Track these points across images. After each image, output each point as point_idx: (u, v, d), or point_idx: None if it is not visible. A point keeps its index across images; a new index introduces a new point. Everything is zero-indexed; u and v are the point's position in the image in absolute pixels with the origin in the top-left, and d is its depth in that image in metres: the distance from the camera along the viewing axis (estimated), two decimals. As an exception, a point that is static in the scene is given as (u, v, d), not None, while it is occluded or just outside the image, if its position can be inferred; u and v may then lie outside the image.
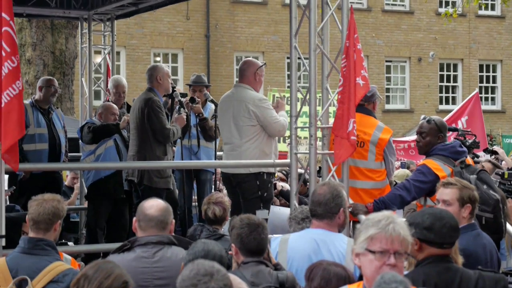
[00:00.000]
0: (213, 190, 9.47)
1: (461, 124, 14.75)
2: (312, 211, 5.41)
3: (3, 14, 5.92)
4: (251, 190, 7.93)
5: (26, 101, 9.61)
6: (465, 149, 6.98)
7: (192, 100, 9.42)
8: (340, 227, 5.42)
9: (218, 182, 9.84)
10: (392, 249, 3.61)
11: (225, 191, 9.40)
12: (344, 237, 5.33)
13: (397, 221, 3.69)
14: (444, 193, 5.34)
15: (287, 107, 8.01)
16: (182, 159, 9.40)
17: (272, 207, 8.18)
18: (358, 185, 7.37)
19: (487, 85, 31.51)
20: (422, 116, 7.33)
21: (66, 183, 11.42)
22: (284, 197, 8.98)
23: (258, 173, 7.93)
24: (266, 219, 7.75)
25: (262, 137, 8.00)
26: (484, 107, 17.67)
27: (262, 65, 8.28)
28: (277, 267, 4.98)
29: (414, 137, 15.75)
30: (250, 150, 7.97)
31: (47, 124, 9.48)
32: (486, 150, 11.22)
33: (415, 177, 6.77)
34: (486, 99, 31.07)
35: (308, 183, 7.69)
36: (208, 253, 4.41)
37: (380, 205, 6.79)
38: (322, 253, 5.14)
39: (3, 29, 5.91)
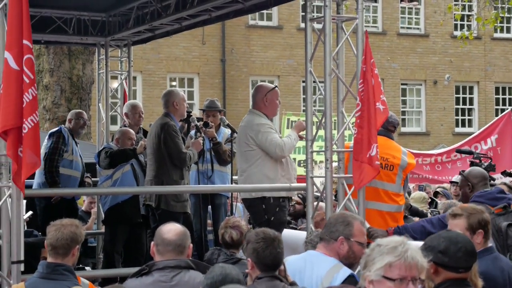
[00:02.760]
0: (227, 214, 9.50)
1: (490, 142, 14.70)
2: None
3: (25, 41, 5.99)
4: (258, 215, 7.93)
5: (63, 126, 9.93)
6: (508, 195, 6.89)
7: (206, 124, 9.45)
8: (343, 259, 5.17)
9: (237, 204, 9.86)
10: (410, 275, 3.59)
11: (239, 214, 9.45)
12: (333, 261, 5.14)
13: (412, 246, 3.67)
14: (453, 225, 5.26)
15: (303, 132, 8.04)
16: (198, 183, 9.44)
17: (284, 230, 8.18)
18: (384, 208, 7.38)
19: (504, 107, 31.38)
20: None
21: (83, 208, 11.49)
22: None
23: (263, 198, 7.90)
24: None
25: (265, 161, 7.97)
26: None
27: (271, 89, 8.25)
28: (292, 284, 4.99)
29: (440, 150, 15.77)
30: (253, 175, 7.97)
31: (79, 154, 9.81)
32: (504, 173, 11.19)
33: (444, 214, 6.80)
34: (503, 121, 30.95)
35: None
36: (226, 277, 4.42)
37: (402, 232, 6.76)
38: (305, 272, 5.14)
39: (26, 56, 5.97)
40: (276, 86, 8.51)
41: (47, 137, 9.77)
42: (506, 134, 14.89)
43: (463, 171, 7.51)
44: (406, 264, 3.58)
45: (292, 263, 5.29)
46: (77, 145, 9.98)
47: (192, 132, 9.36)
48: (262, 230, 5.08)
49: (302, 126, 8.21)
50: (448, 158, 14.83)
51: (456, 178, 12.82)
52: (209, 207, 9.75)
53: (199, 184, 9.41)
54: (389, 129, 7.51)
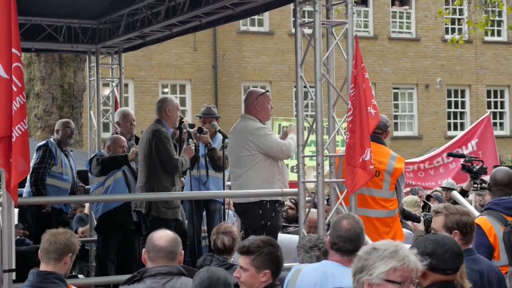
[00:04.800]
0: (222, 220, 9.49)
1: (471, 146, 14.70)
2: (337, 245, 5.23)
3: (14, 50, 5.99)
4: (254, 219, 7.91)
5: (51, 139, 9.90)
6: None
7: (200, 130, 9.46)
8: None
9: (227, 211, 9.86)
10: (410, 278, 3.68)
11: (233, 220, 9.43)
12: None
13: (409, 250, 3.75)
14: (433, 222, 5.35)
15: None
16: (191, 190, 9.43)
17: (280, 234, 8.18)
18: (372, 214, 7.38)
19: (495, 110, 31.49)
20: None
21: (85, 211, 11.55)
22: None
23: (260, 202, 7.89)
24: None
25: (263, 165, 7.98)
26: (492, 132, 17.62)
27: (262, 94, 8.26)
28: None
29: (423, 157, 15.76)
30: (251, 179, 7.97)
31: (69, 166, 9.80)
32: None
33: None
34: (495, 124, 30.99)
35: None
36: (212, 276, 4.42)
37: None
38: (327, 284, 5.08)
39: (14, 64, 5.98)
40: (267, 91, 8.52)
41: (35, 150, 9.79)
42: (487, 137, 14.89)
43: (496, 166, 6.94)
44: (409, 268, 3.67)
45: (308, 274, 5.26)
46: (67, 156, 9.94)
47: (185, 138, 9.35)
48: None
49: (296, 129, 8.27)
50: (430, 164, 14.85)
51: (446, 183, 12.83)
52: (204, 213, 9.75)
53: (192, 190, 9.40)
54: (376, 132, 7.47)
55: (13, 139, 5.89)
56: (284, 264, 5.06)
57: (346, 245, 5.20)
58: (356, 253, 5.14)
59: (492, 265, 5.36)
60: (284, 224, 9.71)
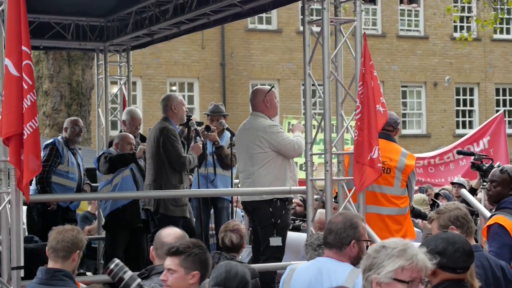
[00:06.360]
0: (230, 218, 9.50)
1: (482, 144, 14.64)
2: (324, 239, 5.23)
3: (24, 48, 5.99)
4: (265, 217, 7.94)
5: (59, 138, 9.91)
6: None
7: (208, 128, 9.47)
8: (354, 260, 5.11)
9: (235, 209, 9.87)
10: (419, 277, 3.67)
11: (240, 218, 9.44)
12: (349, 267, 5.11)
13: (418, 249, 3.73)
14: (431, 229, 5.35)
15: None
16: (199, 187, 9.44)
17: (289, 232, 8.19)
18: (384, 211, 7.36)
19: (504, 108, 31.38)
20: (497, 164, 7.10)
21: (89, 209, 11.54)
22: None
23: (271, 200, 7.94)
24: (280, 247, 7.77)
25: (275, 163, 8.03)
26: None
27: (269, 90, 8.30)
28: None
29: (433, 153, 15.70)
30: (263, 177, 8.00)
31: (76, 164, 9.79)
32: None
33: (494, 243, 5.92)
34: (503, 122, 30.87)
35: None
36: (230, 271, 4.39)
37: None
38: (322, 280, 5.04)
39: (24, 62, 5.97)
40: (273, 87, 8.59)
41: (42, 148, 9.80)
42: (499, 135, 14.81)
43: (500, 166, 6.72)
44: (418, 267, 3.66)
45: (302, 274, 5.22)
46: (75, 155, 9.94)
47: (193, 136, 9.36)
48: None
49: (301, 127, 8.29)
50: (441, 160, 14.79)
51: (458, 179, 12.79)
52: (212, 211, 9.76)
53: (200, 187, 9.41)
54: (386, 129, 7.46)
55: (25, 137, 5.89)
56: (290, 262, 5.03)
57: (327, 237, 5.13)
58: (344, 247, 5.08)
59: (497, 261, 5.32)
60: (293, 217, 9.73)
